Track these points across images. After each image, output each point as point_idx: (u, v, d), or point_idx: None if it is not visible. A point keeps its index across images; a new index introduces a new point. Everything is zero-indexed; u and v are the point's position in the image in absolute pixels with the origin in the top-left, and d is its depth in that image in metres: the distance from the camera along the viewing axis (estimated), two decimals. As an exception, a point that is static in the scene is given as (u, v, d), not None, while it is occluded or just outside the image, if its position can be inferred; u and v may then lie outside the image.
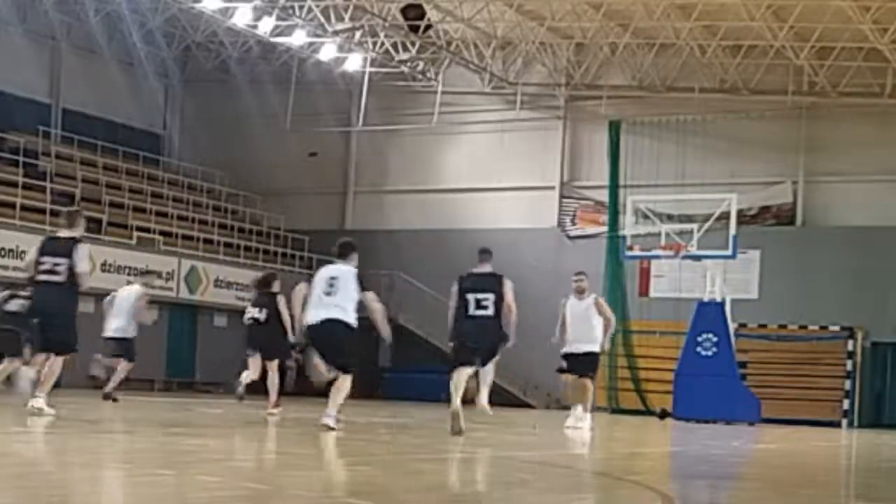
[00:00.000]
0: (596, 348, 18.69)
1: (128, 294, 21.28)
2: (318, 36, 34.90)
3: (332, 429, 13.89)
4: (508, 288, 15.20)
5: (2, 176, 32.06)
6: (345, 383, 14.11)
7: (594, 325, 18.75)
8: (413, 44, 35.97)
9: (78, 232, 14.30)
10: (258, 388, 18.85)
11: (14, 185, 31.77)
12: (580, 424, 18.51)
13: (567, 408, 19.45)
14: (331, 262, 14.80)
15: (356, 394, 28.12)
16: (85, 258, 14.12)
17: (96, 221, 32.92)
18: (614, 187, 35.98)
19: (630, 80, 35.60)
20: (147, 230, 33.79)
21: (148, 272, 21.71)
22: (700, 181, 33.87)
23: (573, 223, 37.02)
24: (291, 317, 16.32)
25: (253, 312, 18.33)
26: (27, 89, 36.45)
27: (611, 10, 32.44)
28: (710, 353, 28.63)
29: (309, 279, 14.73)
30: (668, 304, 33.53)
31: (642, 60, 34.96)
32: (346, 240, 15.00)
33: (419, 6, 33.43)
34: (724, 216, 29.51)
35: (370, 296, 14.26)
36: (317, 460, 11.31)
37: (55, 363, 14.27)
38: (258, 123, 39.41)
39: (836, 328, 32.83)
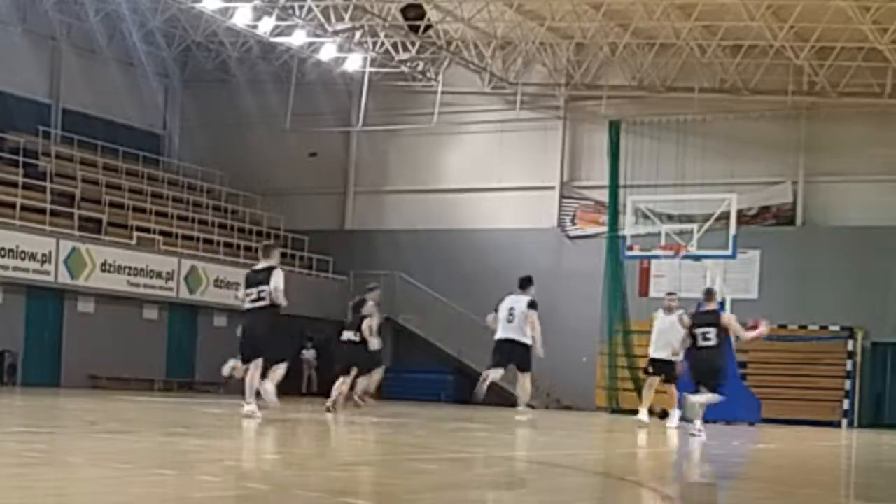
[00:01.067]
0: (674, 357, 20.94)
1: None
2: (318, 36, 34.88)
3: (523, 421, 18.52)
4: (726, 320, 19.14)
5: (2, 176, 32.06)
6: (525, 381, 19.20)
7: (678, 339, 20.80)
8: (413, 44, 35.96)
9: (274, 262, 16.44)
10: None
11: (14, 185, 31.77)
12: (674, 423, 21.10)
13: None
14: (512, 293, 19.21)
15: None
16: (279, 280, 16.09)
17: (96, 221, 32.95)
18: (614, 187, 35.93)
19: (630, 80, 35.59)
20: (147, 230, 33.79)
21: (371, 288, 23.10)
22: (700, 181, 33.85)
23: (573, 223, 37.01)
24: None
25: (348, 335, 21.51)
26: (27, 89, 36.44)
27: (611, 10, 32.42)
28: (710, 353, 28.54)
29: (495, 307, 19.20)
30: (668, 305, 33.47)
31: (642, 60, 34.95)
32: (525, 275, 19.64)
33: (419, 6, 33.41)
34: (724, 216, 29.49)
35: (533, 315, 18.75)
36: (317, 460, 11.31)
37: (256, 372, 16.21)
38: (258, 123, 39.41)
39: (836, 328, 32.80)
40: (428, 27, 34.37)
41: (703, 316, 19.22)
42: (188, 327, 35.43)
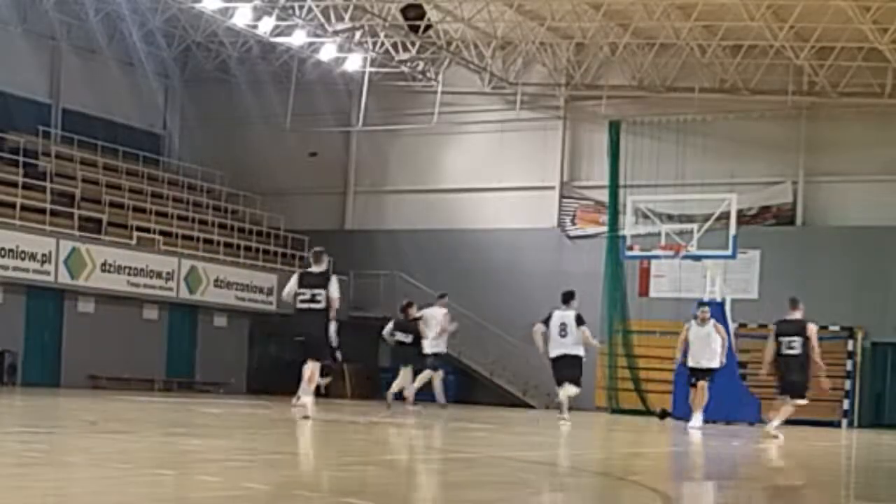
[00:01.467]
0: (715, 364, 22.88)
1: (432, 313, 25.09)
2: (318, 36, 34.88)
3: (566, 421, 20.43)
4: (811, 330, 19.75)
5: (2, 176, 32.05)
6: (572, 390, 20.78)
7: (714, 347, 22.93)
8: (413, 44, 35.95)
9: (324, 267, 17.53)
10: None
11: (14, 185, 31.76)
12: (697, 423, 22.33)
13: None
14: (557, 308, 21.02)
15: (356, 394, 28.42)
16: (337, 288, 17.23)
17: (96, 221, 32.94)
18: (614, 187, 35.95)
19: (630, 80, 35.58)
20: (147, 230, 33.79)
21: (442, 295, 26.11)
22: (700, 181, 33.84)
23: (573, 223, 37.00)
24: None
25: (399, 336, 24.10)
26: (27, 89, 36.42)
27: (611, 10, 32.41)
28: (710, 352, 28.58)
29: (546, 321, 20.85)
30: (668, 304, 33.49)
31: (642, 60, 34.94)
32: (568, 290, 21.34)
33: (419, 6, 33.40)
34: (724, 216, 29.48)
35: (586, 331, 20.82)
36: (317, 460, 11.31)
37: (314, 370, 17.28)
38: (258, 123, 39.39)
39: (836, 328, 32.77)
40: (428, 27, 34.36)
41: (789, 325, 20.03)
42: (188, 327, 35.44)
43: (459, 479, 10.01)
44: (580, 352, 20.69)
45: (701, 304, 24.23)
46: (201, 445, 12.28)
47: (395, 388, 24.17)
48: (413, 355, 24.03)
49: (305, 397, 17.21)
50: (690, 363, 23.08)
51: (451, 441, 15.39)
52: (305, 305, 17.03)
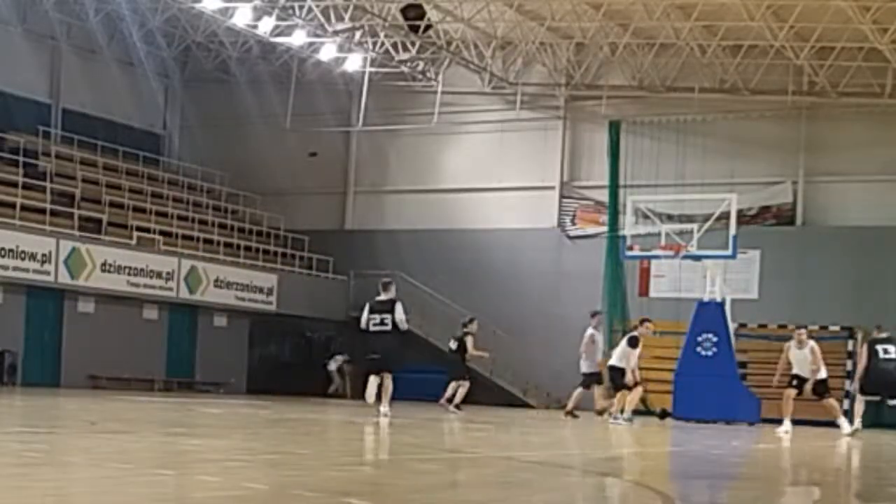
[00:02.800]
0: (824, 375, 23.61)
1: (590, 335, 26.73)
2: (318, 36, 34.88)
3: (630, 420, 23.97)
4: None
5: (2, 176, 32.06)
6: (635, 394, 24.65)
7: (814, 366, 23.62)
8: (413, 44, 35.95)
9: (392, 294, 20.13)
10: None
11: (14, 185, 31.77)
12: (847, 429, 22.96)
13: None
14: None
15: (356, 394, 28.48)
16: (402, 313, 19.90)
17: (96, 221, 32.95)
18: (614, 187, 35.95)
19: (630, 80, 35.58)
20: (147, 230, 33.80)
21: (593, 313, 27.55)
22: (700, 181, 33.84)
23: (573, 223, 37.00)
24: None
25: (450, 344, 27.33)
26: (27, 89, 36.43)
27: (611, 10, 32.41)
28: (710, 353, 28.61)
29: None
30: (668, 304, 33.47)
31: (642, 60, 34.94)
32: (632, 335, 25.02)
33: (419, 6, 33.39)
34: (724, 216, 29.46)
35: (632, 352, 24.37)
36: (317, 460, 11.31)
37: (389, 383, 19.87)
38: (258, 123, 39.39)
39: (836, 328, 32.75)
40: (428, 27, 34.35)
41: (884, 341, 22.33)
42: (188, 327, 35.45)
43: (459, 479, 10.01)
44: (622, 364, 24.25)
45: (798, 326, 24.73)
46: (201, 445, 12.28)
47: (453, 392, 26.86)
48: (454, 365, 27.13)
49: (383, 407, 19.59)
50: (797, 371, 23.59)
51: (451, 441, 15.40)
52: (377, 328, 19.80)
